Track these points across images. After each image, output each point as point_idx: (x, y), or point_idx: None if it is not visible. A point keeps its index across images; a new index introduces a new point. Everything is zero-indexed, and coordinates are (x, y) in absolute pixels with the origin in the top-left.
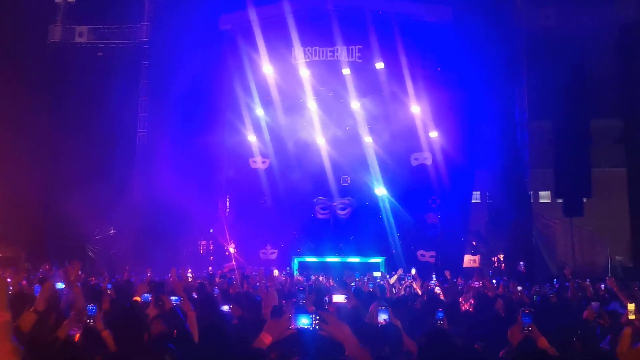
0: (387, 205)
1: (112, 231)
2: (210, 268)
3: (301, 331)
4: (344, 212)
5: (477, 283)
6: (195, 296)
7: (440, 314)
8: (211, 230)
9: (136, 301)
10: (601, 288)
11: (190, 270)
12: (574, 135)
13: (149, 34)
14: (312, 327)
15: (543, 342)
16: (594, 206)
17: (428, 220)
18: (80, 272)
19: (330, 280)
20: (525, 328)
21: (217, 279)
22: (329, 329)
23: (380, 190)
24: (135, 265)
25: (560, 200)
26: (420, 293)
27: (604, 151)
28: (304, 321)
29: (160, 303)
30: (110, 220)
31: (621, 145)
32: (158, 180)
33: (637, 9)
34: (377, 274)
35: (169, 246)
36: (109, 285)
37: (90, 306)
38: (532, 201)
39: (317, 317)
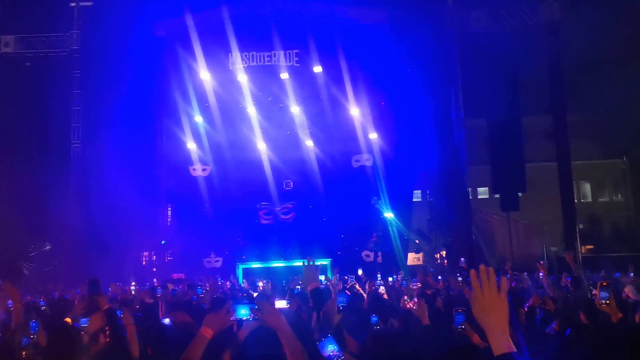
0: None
1: (47, 247)
2: (154, 280)
3: (240, 322)
4: (287, 216)
5: (417, 284)
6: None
7: (375, 319)
8: (163, 242)
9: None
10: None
11: (133, 284)
12: (507, 132)
13: (80, 42)
14: (251, 318)
15: (476, 339)
16: (529, 200)
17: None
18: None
19: (269, 285)
20: (459, 327)
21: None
22: (264, 317)
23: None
24: (74, 280)
25: (497, 196)
26: (363, 294)
27: (536, 147)
28: (242, 312)
29: (94, 302)
30: (45, 235)
31: (551, 140)
32: (96, 192)
33: (561, 10)
34: (321, 277)
35: (110, 259)
36: (42, 303)
37: (33, 322)
38: (470, 198)
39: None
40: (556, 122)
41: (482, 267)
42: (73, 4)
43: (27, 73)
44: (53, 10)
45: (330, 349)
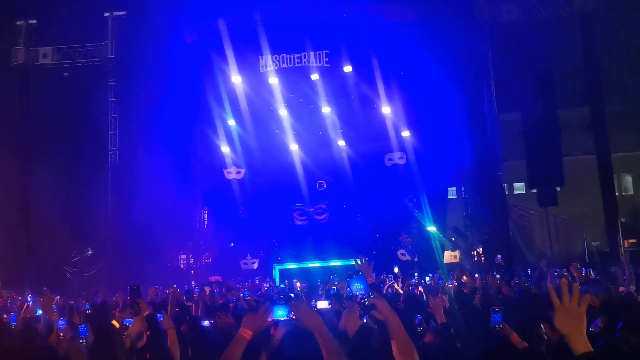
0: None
1: (89, 252)
2: (192, 282)
3: (278, 323)
4: (321, 216)
5: (453, 283)
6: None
7: (419, 318)
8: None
9: (109, 325)
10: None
11: (174, 286)
12: (542, 125)
13: (115, 51)
14: (288, 318)
15: (515, 337)
16: (568, 194)
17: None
18: (58, 296)
19: (303, 285)
20: (497, 326)
21: (195, 294)
22: (300, 318)
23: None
24: (115, 284)
25: (534, 191)
26: (401, 291)
27: (573, 140)
28: (280, 313)
29: (137, 307)
30: (87, 240)
31: (589, 132)
32: (133, 197)
33: (595, 0)
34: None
35: (149, 263)
36: (87, 306)
37: (83, 326)
38: (506, 193)
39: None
40: (594, 114)
41: (564, 280)
42: (107, 14)
43: (65, 83)
44: (88, 20)
45: (357, 287)
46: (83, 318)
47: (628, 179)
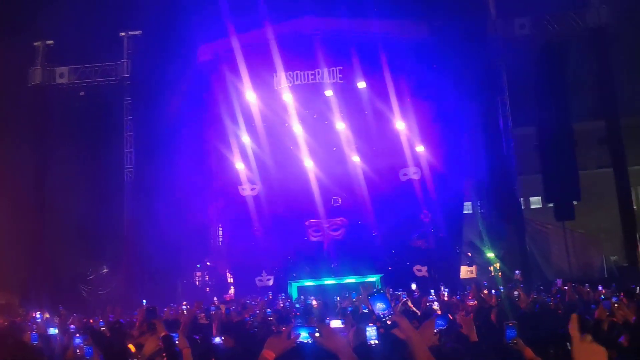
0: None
1: (105, 270)
2: (215, 299)
3: (301, 345)
4: (337, 232)
5: (472, 301)
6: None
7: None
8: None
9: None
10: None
11: (185, 303)
12: (558, 139)
13: (130, 70)
14: (312, 341)
15: (529, 353)
16: (585, 208)
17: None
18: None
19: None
20: (511, 342)
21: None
22: (323, 340)
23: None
24: (130, 302)
25: (550, 205)
26: (417, 311)
27: (589, 153)
28: (304, 335)
29: (153, 328)
30: (102, 258)
31: (605, 146)
32: (148, 215)
33: (608, 14)
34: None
35: (165, 281)
36: (102, 324)
37: (88, 348)
38: (523, 208)
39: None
40: (609, 127)
41: (574, 316)
42: (123, 34)
43: (81, 102)
44: (104, 40)
45: (379, 307)
46: (93, 338)
47: None
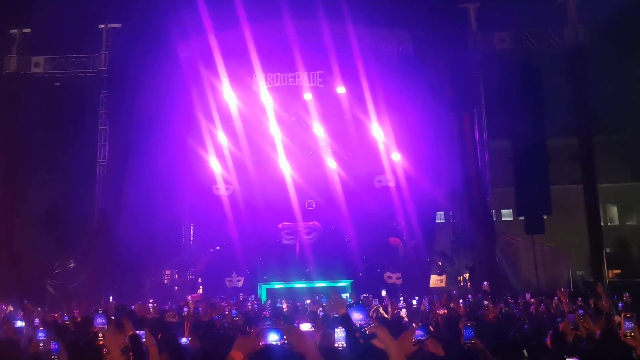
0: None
1: (71, 264)
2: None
3: (270, 347)
4: (309, 236)
5: (442, 310)
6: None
7: None
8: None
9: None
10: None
11: (152, 301)
12: (532, 153)
13: (108, 62)
14: (281, 343)
15: (485, 354)
16: (555, 223)
17: (393, 242)
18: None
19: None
20: (468, 342)
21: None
22: (292, 341)
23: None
24: (96, 298)
25: (522, 218)
26: (387, 317)
27: (562, 169)
28: (273, 337)
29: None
30: (70, 253)
31: (577, 162)
32: (119, 210)
33: (585, 32)
34: (345, 295)
35: (133, 277)
36: (66, 318)
37: (54, 343)
38: (494, 220)
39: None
40: (581, 144)
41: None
42: (102, 26)
43: (56, 93)
44: (82, 31)
45: (357, 317)
46: (57, 333)
47: (614, 210)
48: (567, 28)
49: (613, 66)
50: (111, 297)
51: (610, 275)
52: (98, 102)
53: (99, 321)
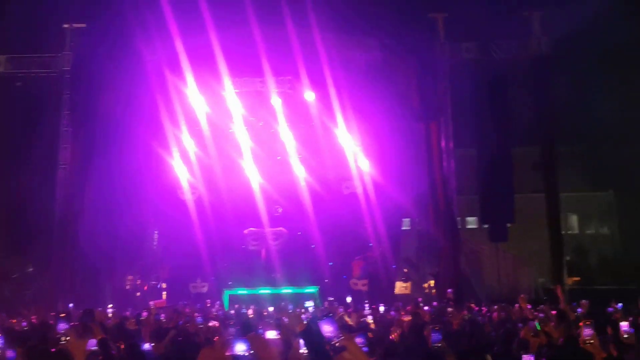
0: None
1: (30, 269)
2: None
3: (237, 357)
4: (276, 242)
5: (407, 317)
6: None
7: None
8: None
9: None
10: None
11: (111, 306)
12: (496, 162)
13: (71, 63)
14: (248, 354)
15: (451, 358)
16: (518, 230)
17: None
18: None
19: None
20: (436, 345)
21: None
22: (257, 352)
23: None
24: (55, 304)
25: (486, 226)
26: (353, 325)
27: (525, 177)
28: (239, 347)
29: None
30: (29, 257)
31: (539, 171)
32: (81, 213)
33: (548, 44)
34: (309, 303)
35: (94, 282)
36: (24, 324)
37: (10, 351)
38: (459, 227)
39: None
40: (544, 154)
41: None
42: (66, 26)
43: (18, 93)
44: (46, 31)
45: (327, 329)
46: (12, 340)
47: (574, 218)
48: (531, 40)
49: (575, 78)
50: (71, 304)
51: (570, 282)
52: (61, 103)
53: (62, 326)
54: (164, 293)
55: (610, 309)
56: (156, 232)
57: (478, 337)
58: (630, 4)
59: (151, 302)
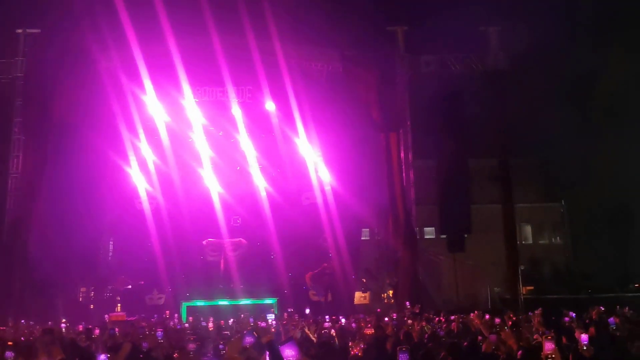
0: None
1: None
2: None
3: None
4: (235, 253)
5: (369, 330)
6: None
7: None
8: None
9: None
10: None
11: (64, 321)
12: (454, 173)
13: (25, 69)
14: None
15: None
16: (475, 241)
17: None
18: None
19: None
20: None
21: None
22: None
23: None
24: (4, 317)
25: (444, 236)
26: (313, 338)
27: (482, 189)
28: None
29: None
30: None
31: (495, 182)
32: (31, 224)
33: (505, 60)
34: (270, 316)
35: (45, 294)
36: None
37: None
38: (418, 237)
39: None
40: (500, 165)
41: None
42: (20, 31)
43: None
44: None
45: (289, 353)
46: None
47: (528, 229)
48: (488, 55)
49: (530, 92)
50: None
51: (524, 292)
52: (12, 110)
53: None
54: (119, 305)
55: (566, 319)
56: (111, 242)
57: (438, 350)
58: (582, 25)
59: (106, 316)
